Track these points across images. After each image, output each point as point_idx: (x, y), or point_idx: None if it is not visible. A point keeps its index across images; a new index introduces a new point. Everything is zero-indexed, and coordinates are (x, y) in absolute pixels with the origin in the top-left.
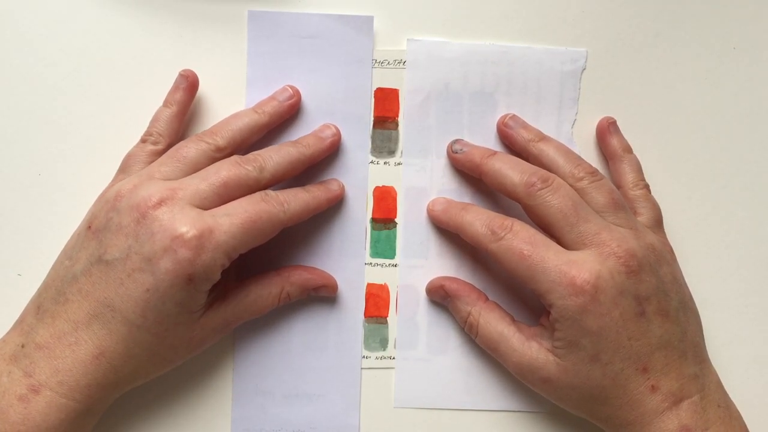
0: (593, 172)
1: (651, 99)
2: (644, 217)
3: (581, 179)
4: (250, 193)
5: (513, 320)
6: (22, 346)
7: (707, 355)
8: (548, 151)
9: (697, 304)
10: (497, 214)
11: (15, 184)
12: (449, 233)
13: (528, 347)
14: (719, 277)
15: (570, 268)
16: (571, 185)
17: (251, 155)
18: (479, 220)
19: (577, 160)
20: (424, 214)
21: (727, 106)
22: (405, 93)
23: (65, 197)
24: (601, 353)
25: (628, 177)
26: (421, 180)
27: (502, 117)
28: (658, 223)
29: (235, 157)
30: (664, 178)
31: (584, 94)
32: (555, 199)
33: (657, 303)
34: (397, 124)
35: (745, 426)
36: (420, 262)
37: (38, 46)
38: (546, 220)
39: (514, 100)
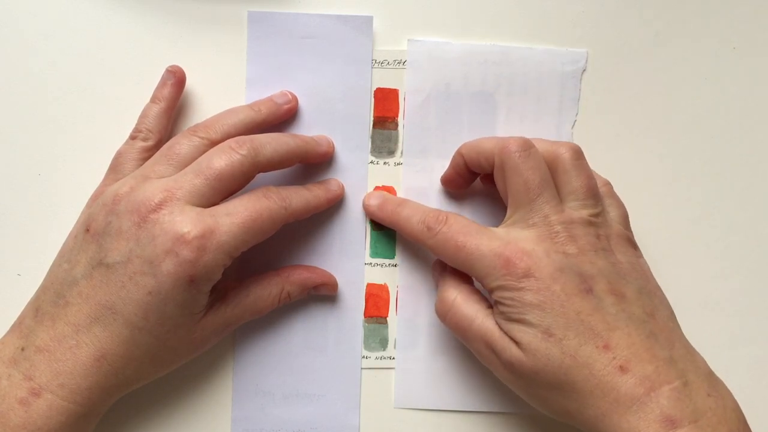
0: (576, 150)
1: (651, 99)
2: (611, 214)
3: (561, 155)
4: (246, 179)
5: (488, 304)
6: (22, 349)
7: (689, 343)
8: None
9: (697, 305)
10: (432, 208)
11: (15, 184)
12: None
13: (495, 328)
14: (719, 278)
15: (504, 249)
16: (550, 161)
17: (245, 138)
18: (415, 216)
19: (560, 141)
20: None
21: (727, 106)
22: (405, 93)
23: (65, 197)
24: (552, 328)
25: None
26: (421, 180)
27: None
28: (624, 220)
29: (228, 142)
30: (664, 178)
31: (585, 94)
32: (524, 169)
33: (607, 283)
34: (396, 124)
35: (744, 419)
36: (420, 262)
37: (38, 46)
38: (509, 187)
39: (514, 100)
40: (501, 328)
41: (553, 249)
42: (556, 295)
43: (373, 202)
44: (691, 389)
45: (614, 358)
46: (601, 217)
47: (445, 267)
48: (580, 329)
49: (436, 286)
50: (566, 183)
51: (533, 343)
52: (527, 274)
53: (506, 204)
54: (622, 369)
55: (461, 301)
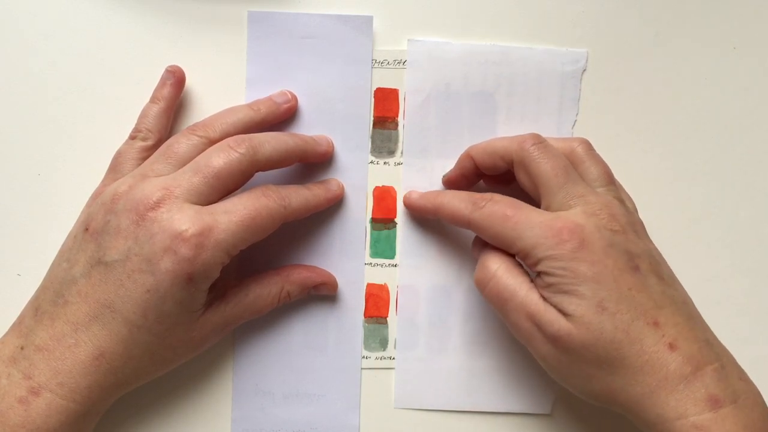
0: (587, 142)
1: (651, 99)
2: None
3: (575, 148)
4: (245, 178)
5: (530, 278)
6: (22, 348)
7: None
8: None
9: (697, 305)
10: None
11: (15, 184)
12: (449, 233)
13: (540, 301)
14: (719, 277)
15: (555, 221)
16: (566, 156)
17: (244, 136)
18: (458, 196)
19: (570, 137)
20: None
21: (727, 106)
22: (405, 93)
23: (65, 197)
24: (605, 301)
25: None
26: (421, 180)
27: None
28: (636, 209)
29: (227, 140)
30: (664, 177)
31: (585, 94)
32: (547, 159)
33: (649, 263)
34: (396, 124)
35: (765, 405)
36: (420, 262)
37: (38, 46)
38: (535, 179)
39: (514, 100)
40: (547, 301)
41: (601, 225)
42: (609, 269)
43: (414, 195)
44: (727, 372)
45: (663, 335)
46: (628, 202)
47: (486, 242)
48: (632, 305)
49: (476, 259)
50: (587, 172)
51: (586, 315)
52: (582, 246)
53: (535, 199)
54: (671, 347)
55: (504, 271)
